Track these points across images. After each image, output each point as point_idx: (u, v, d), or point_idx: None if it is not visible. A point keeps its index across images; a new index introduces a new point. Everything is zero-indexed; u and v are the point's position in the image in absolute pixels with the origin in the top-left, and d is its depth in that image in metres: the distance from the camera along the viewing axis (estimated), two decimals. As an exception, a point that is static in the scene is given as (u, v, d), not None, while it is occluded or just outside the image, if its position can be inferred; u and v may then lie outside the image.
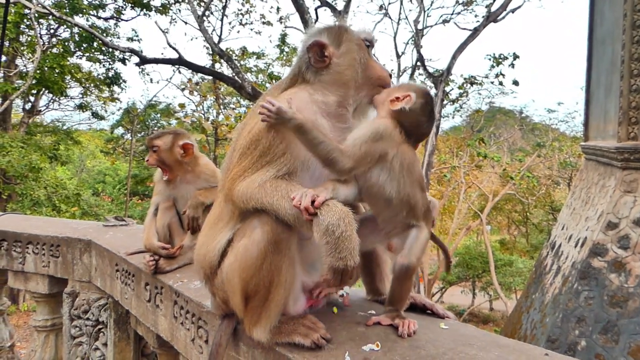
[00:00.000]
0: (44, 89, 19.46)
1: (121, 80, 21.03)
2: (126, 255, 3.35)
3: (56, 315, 4.32)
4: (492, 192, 27.34)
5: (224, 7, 16.52)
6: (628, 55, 7.26)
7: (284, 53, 22.16)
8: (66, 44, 19.58)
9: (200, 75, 19.72)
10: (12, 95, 17.39)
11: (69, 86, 21.15)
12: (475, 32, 13.96)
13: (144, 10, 18.82)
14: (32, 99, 21.23)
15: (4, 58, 19.11)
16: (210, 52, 17.93)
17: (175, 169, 3.10)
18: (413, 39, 16.49)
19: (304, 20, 11.27)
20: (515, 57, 16.72)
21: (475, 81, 18.12)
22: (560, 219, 9.93)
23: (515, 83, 17.71)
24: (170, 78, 29.84)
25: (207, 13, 16.11)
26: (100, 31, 18.89)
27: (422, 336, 1.82)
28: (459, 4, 16.99)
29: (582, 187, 9.10)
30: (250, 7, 18.19)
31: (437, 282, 28.50)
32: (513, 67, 16.82)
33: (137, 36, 20.52)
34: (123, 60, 19.50)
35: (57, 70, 18.39)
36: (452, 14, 17.22)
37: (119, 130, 28.55)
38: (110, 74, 20.71)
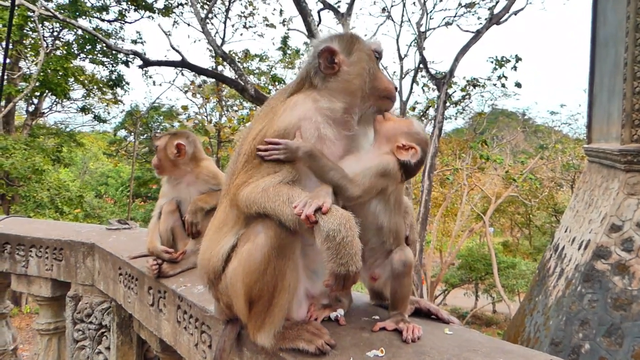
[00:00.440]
0: (47, 91, 19.54)
1: (124, 83, 21.09)
2: (129, 259, 3.35)
3: (59, 318, 4.32)
4: (494, 194, 27.30)
5: (227, 10, 16.54)
6: (631, 58, 7.25)
7: (287, 55, 22.19)
8: (69, 46, 19.63)
9: (203, 77, 19.75)
10: (15, 98, 17.44)
11: (72, 88, 21.22)
12: (478, 34, 13.94)
13: (148, 12, 18.87)
14: (35, 101, 21.31)
15: (8, 60, 19.18)
16: (213, 55, 17.95)
17: (170, 169, 3.11)
18: (416, 41, 16.49)
19: (307, 22, 11.26)
20: (518, 59, 16.70)
21: (478, 83, 18.10)
22: (563, 222, 9.91)
23: (518, 85, 17.68)
24: (174, 80, 29.87)
25: (210, 15, 16.14)
26: (104, 34, 18.94)
27: (426, 342, 1.82)
28: (462, 7, 16.98)
29: (585, 189, 9.08)
30: (254, 9, 18.22)
31: (440, 285, 28.46)
32: (515, 69, 16.79)
33: (140, 38, 20.56)
34: (126, 63, 19.59)
35: (60, 73, 18.46)
36: (454, 17, 17.22)
37: (122, 133, 28.61)
38: (113, 77, 20.77)
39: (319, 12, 14.35)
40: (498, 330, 23.28)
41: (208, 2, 15.81)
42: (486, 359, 1.66)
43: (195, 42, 21.07)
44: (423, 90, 19.44)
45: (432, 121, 15.64)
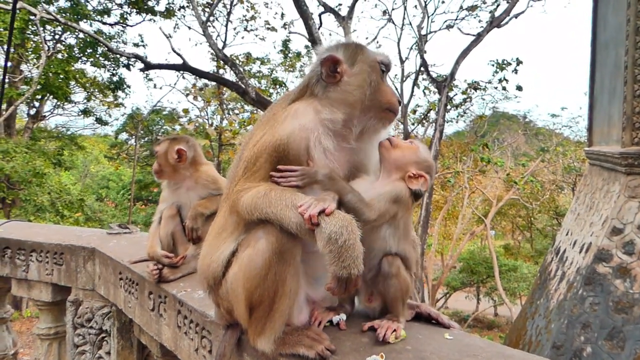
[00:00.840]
0: (48, 94, 19.57)
1: (125, 86, 21.12)
2: (130, 263, 3.35)
3: (59, 323, 4.32)
4: (496, 197, 27.27)
5: (229, 13, 16.58)
6: (631, 61, 7.25)
7: (288, 58, 22.21)
8: (71, 49, 19.67)
9: (204, 80, 19.77)
10: (16, 101, 17.48)
11: (73, 91, 21.25)
12: (479, 37, 13.93)
13: (149, 15, 18.90)
14: (36, 104, 21.35)
15: (9, 64, 19.22)
16: (215, 58, 17.98)
17: (170, 174, 3.10)
18: (417, 44, 16.50)
19: (308, 26, 11.27)
20: (519, 62, 16.70)
21: (479, 86, 18.09)
22: (564, 225, 9.90)
23: (519, 88, 17.66)
24: (175, 83, 29.96)
25: (211, 19, 16.16)
26: (106, 37, 18.98)
27: (427, 347, 1.82)
28: (463, 10, 16.99)
29: (587, 192, 9.07)
30: (255, 13, 18.25)
31: (441, 288, 28.41)
32: (516, 72, 16.79)
33: (142, 41, 20.60)
34: (127, 66, 19.63)
35: (61, 76, 18.49)
36: (455, 20, 17.22)
37: (123, 136, 28.64)
38: (114, 80, 20.81)
39: (320, 15, 14.36)
40: (500, 334, 23.26)
41: (209, 6, 15.84)
42: (487, 365, 1.65)
43: (196, 45, 21.16)
44: (424, 93, 19.44)
45: (433, 124, 15.63)
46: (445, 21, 17.30)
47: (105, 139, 33.85)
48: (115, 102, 22.69)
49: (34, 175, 16.90)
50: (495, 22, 14.10)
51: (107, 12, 19.46)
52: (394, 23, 18.52)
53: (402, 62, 18.31)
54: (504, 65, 16.93)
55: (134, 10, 19.05)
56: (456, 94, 18.13)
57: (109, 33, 19.99)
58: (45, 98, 20.71)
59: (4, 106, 18.28)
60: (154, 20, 19.36)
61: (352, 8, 13.94)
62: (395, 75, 19.86)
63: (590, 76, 9.89)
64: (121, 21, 19.78)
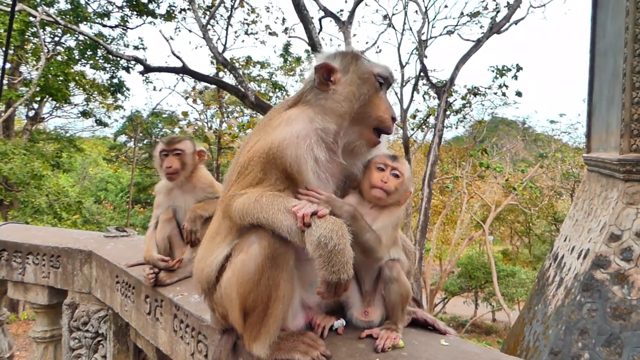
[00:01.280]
0: (47, 96, 19.54)
1: (124, 89, 21.11)
2: (126, 267, 3.34)
3: (55, 326, 4.30)
4: (494, 202, 27.28)
5: (229, 17, 16.58)
6: (630, 68, 7.27)
7: (287, 62, 22.24)
8: (71, 51, 19.67)
9: (204, 83, 19.78)
10: (15, 103, 17.46)
11: (72, 94, 21.23)
12: (479, 43, 13.96)
13: (150, 17, 18.91)
14: (35, 106, 21.32)
15: (8, 65, 19.22)
16: (215, 61, 17.99)
17: (184, 175, 3.09)
18: (417, 49, 16.52)
19: (308, 30, 11.28)
20: (519, 68, 16.72)
21: (479, 92, 18.11)
22: (562, 231, 9.90)
23: (519, 94, 17.67)
24: (175, 86, 29.94)
25: (212, 22, 16.16)
26: (106, 40, 18.98)
27: (422, 353, 1.81)
28: (465, 16, 17.03)
29: (585, 198, 9.08)
30: (256, 17, 18.26)
31: (440, 293, 28.39)
32: (516, 78, 16.79)
33: (142, 44, 20.59)
34: (127, 69, 19.61)
35: (61, 78, 18.48)
36: (456, 25, 17.26)
37: (122, 138, 28.61)
38: (113, 82, 20.79)
39: (320, 19, 14.36)
40: (498, 339, 23.21)
41: (210, 9, 15.86)
42: (482, 372, 1.65)
43: (196, 48, 21.12)
44: (424, 98, 19.46)
45: (432, 129, 15.64)
46: (446, 27, 17.32)
47: (104, 141, 33.83)
48: (114, 104, 22.67)
49: (32, 177, 16.86)
50: (495, 28, 14.13)
51: (107, 14, 19.47)
52: (394, 28, 18.54)
53: (402, 67, 18.34)
54: (503, 71, 16.96)
55: (135, 13, 19.06)
56: (456, 100, 18.15)
57: (109, 36, 20.00)
58: (45, 100, 20.69)
59: (2, 107, 18.29)
60: (154, 23, 19.37)
61: (352, 13, 13.95)
62: (395, 80, 19.85)
63: (589, 83, 9.91)
64: (121, 24, 19.79)
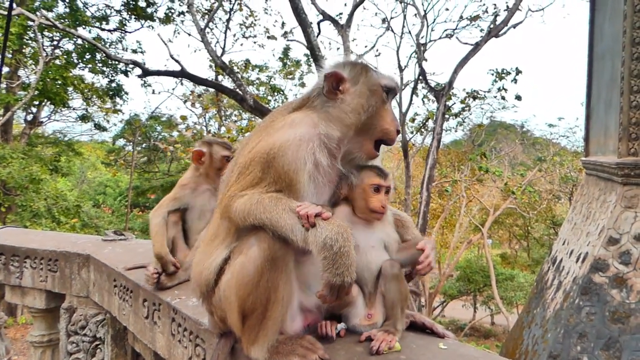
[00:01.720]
0: (45, 100, 19.53)
1: (123, 92, 21.10)
2: (125, 270, 3.33)
3: (53, 330, 4.28)
4: (493, 206, 27.28)
5: (228, 20, 16.61)
6: (628, 72, 7.28)
7: (286, 66, 22.24)
8: (69, 55, 19.67)
9: (202, 87, 19.77)
10: (14, 107, 17.44)
11: (71, 97, 21.21)
12: (477, 46, 13.99)
13: (148, 21, 18.91)
14: (33, 110, 21.30)
15: (7, 69, 19.22)
16: (213, 64, 17.99)
17: (213, 177, 3.14)
18: (415, 53, 16.55)
19: (306, 34, 11.29)
20: (518, 72, 16.72)
21: (478, 95, 18.12)
22: (561, 234, 9.89)
23: (518, 98, 17.66)
24: (173, 89, 29.92)
25: (210, 25, 16.18)
26: (104, 43, 18.98)
27: (421, 357, 1.81)
28: (464, 19, 17.07)
29: (583, 202, 9.08)
30: (255, 20, 18.28)
31: (439, 296, 28.35)
32: (516, 82, 16.80)
33: (140, 48, 20.61)
34: (125, 72, 19.60)
35: (59, 82, 18.46)
36: (455, 29, 17.29)
37: (121, 142, 28.57)
38: (112, 86, 20.78)
39: (318, 23, 14.39)
40: (496, 343, 23.18)
41: (209, 12, 15.88)
42: (481, 375, 1.64)
43: (195, 51, 21.11)
44: (423, 101, 19.47)
45: (431, 133, 15.65)
46: (445, 30, 17.36)
47: (102, 145, 33.76)
48: (113, 108, 22.65)
49: (31, 181, 16.82)
50: (493, 32, 14.17)
51: (105, 18, 19.47)
52: (393, 31, 18.60)
53: (401, 70, 18.37)
54: (503, 75, 16.98)
55: (133, 16, 19.05)
56: (454, 103, 18.16)
57: (107, 39, 20.00)
58: (43, 104, 20.67)
59: (1, 111, 18.26)
60: (152, 27, 19.37)
61: (350, 16, 13.99)
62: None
63: (587, 87, 9.91)
64: (119, 27, 19.78)
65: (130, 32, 19.94)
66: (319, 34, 13.95)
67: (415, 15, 17.04)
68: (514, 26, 14.83)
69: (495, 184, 26.26)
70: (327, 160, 1.86)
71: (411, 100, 17.84)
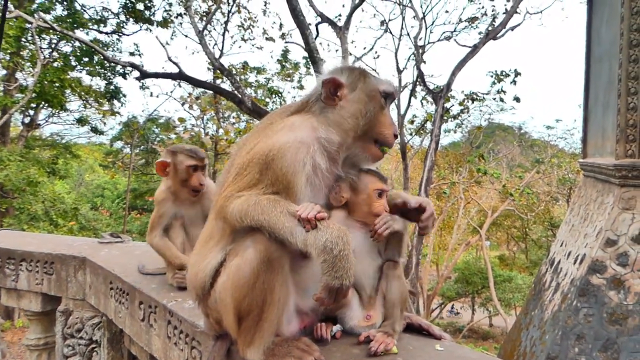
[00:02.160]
0: (43, 102, 19.49)
1: (121, 95, 21.07)
2: (142, 273, 3.30)
3: (49, 333, 4.26)
4: (491, 207, 27.33)
5: (226, 22, 16.61)
6: (625, 74, 7.29)
7: (285, 68, 22.24)
8: (67, 58, 19.65)
9: (201, 89, 19.76)
10: (11, 109, 17.42)
11: (68, 100, 21.18)
12: (475, 49, 14.02)
13: (146, 24, 18.89)
14: (31, 112, 21.26)
15: (4, 72, 19.22)
16: (212, 67, 17.98)
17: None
18: (414, 55, 16.57)
19: (304, 36, 11.29)
20: (517, 74, 16.74)
21: (477, 97, 18.14)
22: (559, 236, 9.90)
23: (517, 100, 17.69)
24: (172, 92, 29.91)
25: (209, 27, 16.18)
26: (101, 45, 18.96)
27: (417, 358, 1.81)
28: (463, 22, 17.11)
29: (581, 203, 9.09)
30: (253, 22, 18.28)
31: (437, 298, 28.37)
32: (515, 84, 16.83)
33: (138, 50, 20.55)
34: (123, 75, 19.58)
35: (57, 84, 18.44)
36: (453, 31, 17.32)
37: (118, 144, 28.52)
38: (110, 88, 20.75)
39: (317, 25, 14.40)
40: (495, 344, 23.17)
41: (207, 14, 15.89)
42: (477, 377, 1.64)
43: (193, 53, 21.11)
44: (422, 103, 19.48)
45: (430, 135, 15.67)
46: (444, 32, 17.39)
47: (100, 147, 33.72)
48: (111, 110, 22.62)
49: (28, 183, 16.80)
50: (491, 34, 14.21)
51: (103, 21, 19.45)
52: (391, 33, 18.62)
53: (399, 72, 18.38)
54: (502, 77, 17.00)
55: (131, 19, 19.03)
56: (453, 105, 18.18)
57: (105, 42, 19.96)
58: (40, 106, 20.63)
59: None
60: (150, 30, 19.35)
61: (349, 18, 14.01)
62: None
63: (585, 89, 9.94)
64: (117, 30, 19.75)
65: (128, 35, 19.94)
66: (317, 36, 13.95)
67: (414, 17, 17.07)
68: (512, 28, 14.88)
69: (493, 186, 26.30)
70: (326, 164, 1.87)
71: (409, 102, 17.87)
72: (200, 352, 2.31)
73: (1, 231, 5.14)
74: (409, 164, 18.25)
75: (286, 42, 18.99)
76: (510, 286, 26.56)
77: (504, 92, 17.30)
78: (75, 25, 18.16)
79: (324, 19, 14.17)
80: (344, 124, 1.90)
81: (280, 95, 21.76)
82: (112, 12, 19.27)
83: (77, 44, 18.53)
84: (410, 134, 20.09)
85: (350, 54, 15.28)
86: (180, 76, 13.14)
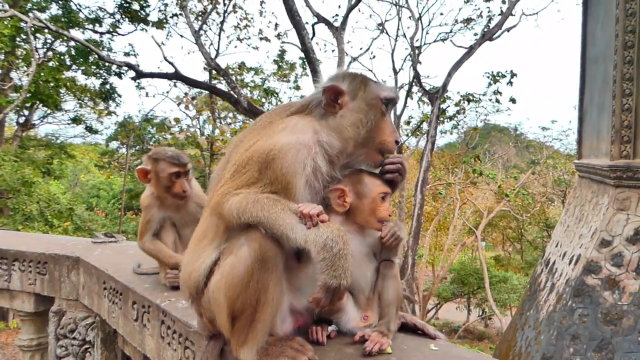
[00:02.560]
0: (38, 102, 19.40)
1: (116, 95, 21.00)
2: (136, 273, 3.28)
3: (42, 334, 4.23)
4: (486, 208, 27.35)
5: (222, 22, 16.58)
6: (620, 75, 7.31)
7: (281, 69, 22.22)
8: (62, 57, 19.56)
9: (197, 89, 19.72)
10: (5, 109, 17.33)
11: (63, 100, 21.09)
12: (471, 50, 14.04)
13: (141, 24, 18.84)
14: (26, 112, 21.16)
15: (-1, 72, 19.13)
16: (207, 67, 17.94)
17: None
18: (410, 56, 16.58)
19: (301, 36, 11.28)
20: (513, 75, 16.78)
21: (473, 98, 18.17)
22: (554, 236, 9.92)
23: (513, 101, 17.74)
24: (167, 92, 29.83)
25: (205, 27, 16.15)
26: (96, 45, 18.89)
27: (412, 358, 1.80)
28: (459, 23, 17.12)
29: (576, 204, 9.11)
30: (248, 22, 18.25)
31: (432, 299, 28.38)
32: (511, 84, 16.86)
33: (133, 51, 20.49)
34: (119, 74, 19.52)
35: (52, 84, 18.36)
36: (449, 32, 17.34)
37: (114, 144, 28.42)
38: (105, 88, 20.67)
39: (313, 25, 14.38)
40: (490, 345, 23.19)
41: (202, 14, 15.86)
42: (472, 377, 1.63)
43: (189, 53, 21.06)
44: (418, 104, 19.51)
45: (426, 135, 15.68)
46: (440, 33, 17.41)
47: (95, 147, 33.59)
48: (106, 110, 22.53)
49: (23, 184, 16.70)
50: (487, 36, 14.23)
51: (98, 20, 19.37)
52: (388, 34, 18.63)
53: (395, 72, 18.40)
54: (498, 78, 17.04)
55: (126, 18, 18.96)
56: (449, 106, 18.21)
57: (100, 41, 19.88)
58: (35, 106, 20.54)
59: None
60: (146, 30, 19.29)
61: (345, 19, 14.00)
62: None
63: (580, 90, 9.96)
64: (112, 30, 19.68)
65: (123, 35, 19.87)
66: (313, 36, 13.92)
67: (410, 18, 17.09)
68: (508, 30, 14.90)
69: (489, 187, 26.34)
70: (326, 167, 1.86)
71: (406, 102, 17.87)
72: (193, 352, 2.30)
73: (-6, 231, 5.11)
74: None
75: (282, 42, 18.98)
76: (505, 287, 26.58)
77: (500, 93, 17.37)
78: (70, 25, 18.08)
79: (321, 19, 14.14)
80: (345, 132, 1.89)
81: (276, 95, 21.74)
82: (107, 12, 19.21)
83: (72, 43, 18.44)
84: (407, 135, 20.11)
85: (347, 54, 15.28)
86: (176, 76, 13.11)
